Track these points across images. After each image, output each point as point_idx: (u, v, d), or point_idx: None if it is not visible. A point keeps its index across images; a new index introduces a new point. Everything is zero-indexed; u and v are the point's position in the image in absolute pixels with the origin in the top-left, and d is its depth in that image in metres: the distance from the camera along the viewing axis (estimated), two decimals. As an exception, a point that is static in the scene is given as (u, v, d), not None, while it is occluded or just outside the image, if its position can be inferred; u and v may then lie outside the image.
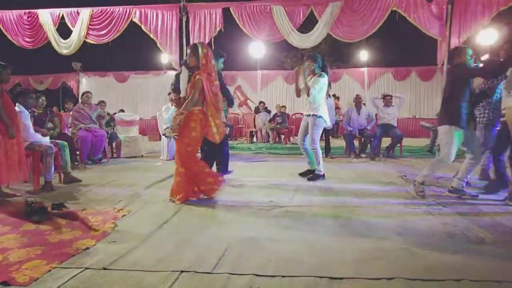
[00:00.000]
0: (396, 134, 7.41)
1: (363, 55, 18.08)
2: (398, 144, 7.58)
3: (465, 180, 4.05)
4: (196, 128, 3.73)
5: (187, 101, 3.72)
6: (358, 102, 7.79)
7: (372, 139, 7.44)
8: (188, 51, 3.87)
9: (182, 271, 2.16)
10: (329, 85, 5.20)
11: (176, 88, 4.11)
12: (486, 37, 8.45)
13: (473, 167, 4.02)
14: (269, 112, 12.22)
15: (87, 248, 2.54)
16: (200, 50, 3.73)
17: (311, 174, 5.11)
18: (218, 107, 3.87)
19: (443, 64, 7.51)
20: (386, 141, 7.58)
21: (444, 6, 7.49)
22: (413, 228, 2.99)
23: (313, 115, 4.93)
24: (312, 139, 4.98)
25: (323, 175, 5.07)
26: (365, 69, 16.00)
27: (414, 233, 2.86)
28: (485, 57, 6.03)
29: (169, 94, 7.50)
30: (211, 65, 3.81)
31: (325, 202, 3.86)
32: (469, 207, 3.63)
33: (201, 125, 3.78)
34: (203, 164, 3.93)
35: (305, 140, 5.12)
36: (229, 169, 5.31)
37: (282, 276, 2.10)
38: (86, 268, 2.22)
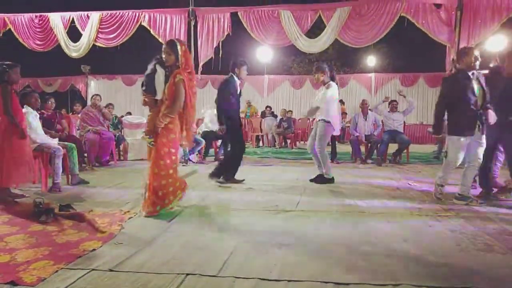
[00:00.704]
0: (403, 140, 7.37)
1: (371, 60, 18.03)
2: (405, 150, 7.54)
3: (472, 185, 4.06)
4: (174, 130, 3.52)
5: (172, 105, 3.43)
6: (364, 107, 7.77)
7: (378, 145, 7.41)
8: (164, 48, 3.56)
9: (187, 274, 2.17)
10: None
11: (149, 89, 3.66)
12: (496, 43, 8.39)
13: (474, 171, 4.01)
14: (275, 116, 12.24)
15: (94, 249, 2.56)
16: (179, 47, 3.46)
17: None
18: (195, 110, 3.68)
19: (451, 71, 7.47)
20: (393, 147, 7.54)
21: (453, 12, 7.46)
22: (419, 234, 2.97)
23: (321, 119, 5.04)
24: (319, 143, 5.07)
25: (332, 179, 5.10)
26: (372, 75, 15.97)
27: (420, 239, 2.84)
28: (493, 64, 5.98)
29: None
30: (191, 63, 3.60)
31: (331, 207, 3.84)
32: (478, 214, 3.59)
33: (178, 127, 3.58)
34: (175, 177, 3.58)
35: (315, 145, 5.17)
36: (237, 178, 5.08)
37: (288, 281, 2.10)
38: (93, 270, 2.23)
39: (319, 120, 5.10)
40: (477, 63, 3.89)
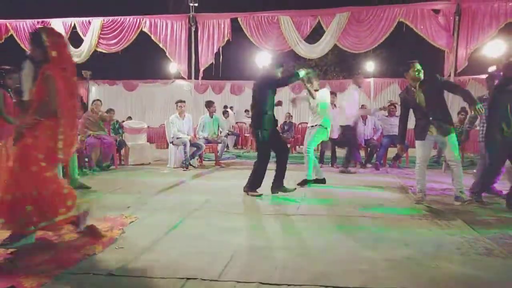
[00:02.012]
0: (403, 144, 7.36)
1: (370, 65, 18.07)
2: (404, 154, 7.53)
3: (468, 187, 4.19)
4: (41, 138, 2.76)
5: (42, 105, 2.77)
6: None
7: (378, 149, 7.42)
8: (29, 40, 3.00)
9: (188, 278, 2.17)
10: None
11: (17, 89, 3.10)
12: (494, 48, 8.44)
13: (457, 169, 4.10)
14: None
15: (95, 254, 2.57)
16: (44, 38, 2.81)
17: (317, 182, 5.32)
18: (74, 114, 2.98)
19: (449, 76, 7.51)
20: (392, 151, 7.54)
21: (451, 17, 7.51)
22: (420, 238, 2.98)
23: (318, 125, 5.25)
24: (309, 143, 5.26)
25: (313, 180, 5.27)
26: (371, 80, 16.00)
27: (421, 243, 2.85)
28: (492, 69, 6.03)
29: (181, 101, 7.48)
30: (67, 57, 2.95)
31: (332, 211, 3.85)
32: (478, 218, 3.60)
33: (52, 134, 2.80)
34: (61, 182, 2.89)
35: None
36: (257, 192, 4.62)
37: (288, 285, 2.10)
38: (94, 274, 2.24)
39: (314, 125, 5.28)
40: (421, 74, 4.12)
